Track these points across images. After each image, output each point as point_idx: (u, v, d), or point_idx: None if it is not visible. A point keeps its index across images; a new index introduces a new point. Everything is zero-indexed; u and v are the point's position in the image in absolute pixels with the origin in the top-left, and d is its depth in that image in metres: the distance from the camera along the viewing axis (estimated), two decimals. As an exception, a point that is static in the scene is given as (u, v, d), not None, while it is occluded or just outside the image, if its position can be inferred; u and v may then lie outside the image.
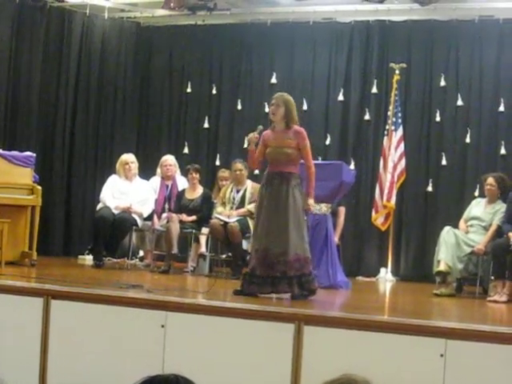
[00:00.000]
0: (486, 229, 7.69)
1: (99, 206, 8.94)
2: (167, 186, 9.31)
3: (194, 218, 8.75)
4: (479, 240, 7.58)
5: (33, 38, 10.10)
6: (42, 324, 5.43)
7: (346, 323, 4.87)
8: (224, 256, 8.99)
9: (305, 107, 10.11)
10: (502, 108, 9.43)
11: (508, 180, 7.90)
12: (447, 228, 7.63)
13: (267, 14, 10.43)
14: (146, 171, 9.48)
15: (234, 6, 10.54)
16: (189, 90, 10.87)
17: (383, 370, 4.48)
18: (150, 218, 9.01)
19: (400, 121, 9.37)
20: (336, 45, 10.27)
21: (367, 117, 10.03)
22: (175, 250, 8.54)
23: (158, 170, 9.46)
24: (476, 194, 9.04)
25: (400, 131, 9.34)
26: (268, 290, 6.09)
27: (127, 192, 8.86)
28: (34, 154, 8.38)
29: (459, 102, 9.65)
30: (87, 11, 10.49)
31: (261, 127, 6.39)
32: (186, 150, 10.76)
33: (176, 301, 5.36)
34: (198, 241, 8.97)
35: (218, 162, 10.53)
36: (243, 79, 10.71)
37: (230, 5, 10.53)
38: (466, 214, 7.96)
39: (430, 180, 9.73)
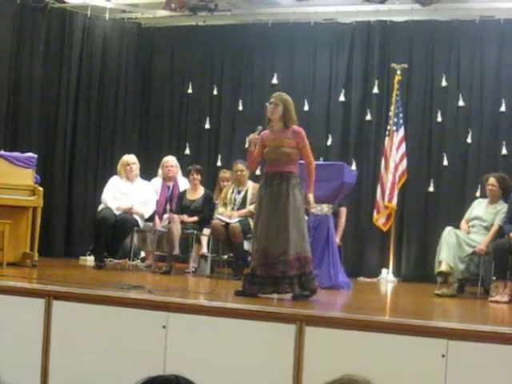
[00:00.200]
0: (487, 229, 7.69)
1: (100, 206, 8.95)
2: (168, 187, 9.31)
3: (195, 218, 8.75)
4: (480, 240, 7.57)
5: (34, 39, 10.12)
6: (43, 325, 5.43)
7: (348, 324, 4.87)
8: (225, 257, 8.99)
9: (306, 108, 10.11)
10: (503, 108, 9.43)
11: (509, 180, 7.89)
12: (448, 228, 7.63)
13: (268, 14, 10.44)
14: (148, 172, 9.49)
15: (235, 6, 10.54)
16: (190, 90, 10.87)
17: (384, 371, 4.47)
18: (151, 218, 9.01)
19: (401, 121, 9.37)
20: (337, 45, 10.27)
21: (368, 117, 10.03)
22: (176, 251, 8.54)
23: (160, 171, 9.47)
24: (477, 194, 9.04)
25: (401, 131, 9.35)
26: (269, 290, 6.09)
27: (129, 193, 8.86)
28: (36, 155, 8.38)
29: (460, 103, 9.65)
30: (88, 12, 10.49)
31: (260, 127, 6.39)
32: (187, 151, 10.77)
33: (177, 301, 5.36)
34: (199, 241, 8.97)
35: (219, 163, 10.53)
36: (244, 80, 10.71)
37: (230, 5, 10.53)
38: (467, 215, 7.96)
39: (432, 180, 9.74)
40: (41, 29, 10.17)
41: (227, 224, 8.28)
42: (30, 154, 8.35)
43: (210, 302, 5.53)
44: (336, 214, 8.69)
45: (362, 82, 10.11)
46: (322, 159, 9.54)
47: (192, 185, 9.04)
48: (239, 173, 8.61)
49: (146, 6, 10.86)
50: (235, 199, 8.59)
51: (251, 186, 8.55)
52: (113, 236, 8.59)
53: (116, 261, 9.00)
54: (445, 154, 9.67)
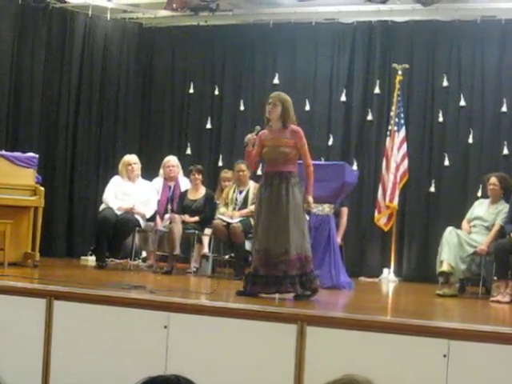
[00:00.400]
0: (488, 229, 7.69)
1: (102, 206, 8.95)
2: (170, 187, 9.31)
3: (196, 218, 8.75)
4: (482, 240, 7.57)
5: (35, 39, 10.11)
6: (44, 325, 5.43)
7: (349, 324, 4.87)
8: (227, 257, 8.99)
9: (307, 108, 10.12)
10: (504, 108, 9.42)
11: (511, 180, 7.90)
12: (450, 228, 7.63)
13: (269, 14, 10.43)
14: (149, 172, 9.49)
15: (237, 6, 10.54)
16: (191, 90, 10.87)
17: (386, 371, 4.47)
18: (152, 218, 9.01)
19: (402, 121, 9.37)
20: (338, 45, 10.26)
21: (370, 117, 10.03)
22: (178, 251, 8.55)
23: (161, 171, 9.47)
24: (479, 194, 9.04)
25: (402, 132, 9.35)
26: (271, 290, 6.09)
27: (130, 193, 8.86)
28: (37, 155, 8.39)
29: (462, 103, 9.64)
30: (89, 12, 10.49)
31: (258, 128, 6.38)
32: (188, 151, 10.77)
33: (179, 301, 5.36)
34: (200, 241, 8.97)
35: (220, 163, 10.53)
36: (245, 80, 10.71)
37: (232, 5, 10.53)
38: (468, 215, 7.96)
39: (433, 180, 9.73)
40: (42, 29, 10.17)
41: (228, 224, 8.28)
42: (31, 154, 8.36)
43: (212, 302, 5.54)
44: (337, 214, 8.70)
45: (363, 82, 10.11)
46: (323, 159, 9.54)
47: (193, 185, 9.04)
48: (241, 173, 8.62)
49: (148, 5, 10.86)
50: (237, 199, 8.59)
51: (252, 186, 8.54)
52: (114, 236, 8.59)
53: (117, 261, 9.00)
54: (446, 154, 9.67)
